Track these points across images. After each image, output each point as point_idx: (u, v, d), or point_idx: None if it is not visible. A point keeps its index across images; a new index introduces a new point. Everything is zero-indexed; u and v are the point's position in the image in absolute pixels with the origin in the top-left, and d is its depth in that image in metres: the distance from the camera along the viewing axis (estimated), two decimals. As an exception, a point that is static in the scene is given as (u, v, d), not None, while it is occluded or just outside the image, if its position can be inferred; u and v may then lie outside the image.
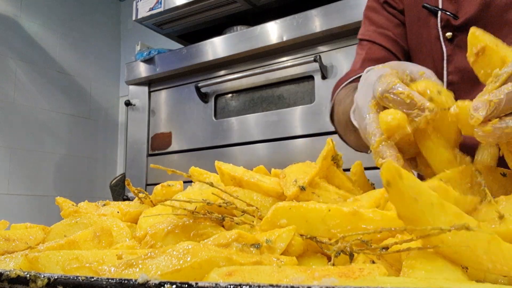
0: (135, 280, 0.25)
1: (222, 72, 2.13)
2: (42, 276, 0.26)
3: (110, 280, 0.25)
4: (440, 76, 0.90)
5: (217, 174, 0.56)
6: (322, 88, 1.82)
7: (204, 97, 2.16)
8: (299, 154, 1.83)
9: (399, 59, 0.96)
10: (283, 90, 1.96)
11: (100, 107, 3.05)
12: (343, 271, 0.28)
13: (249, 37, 1.96)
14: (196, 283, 0.24)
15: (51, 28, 2.80)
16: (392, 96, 0.47)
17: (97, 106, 3.04)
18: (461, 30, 0.88)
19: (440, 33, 0.91)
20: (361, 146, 0.80)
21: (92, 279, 0.25)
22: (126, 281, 0.25)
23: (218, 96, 2.15)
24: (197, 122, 2.18)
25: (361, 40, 1.01)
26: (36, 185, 2.64)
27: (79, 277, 0.26)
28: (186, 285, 0.24)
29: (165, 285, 0.24)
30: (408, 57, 0.99)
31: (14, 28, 2.62)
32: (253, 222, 0.43)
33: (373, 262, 0.33)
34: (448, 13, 0.89)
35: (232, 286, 0.23)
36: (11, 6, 2.64)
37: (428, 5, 0.92)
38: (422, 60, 0.95)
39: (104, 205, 0.61)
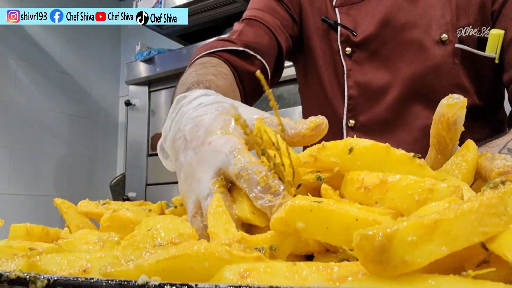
0: (135, 282, 0.25)
1: (222, 72, 2.13)
2: (42, 277, 0.26)
3: (109, 281, 0.25)
4: (342, 90, 0.92)
5: None
6: (322, 88, 1.82)
7: (204, 97, 2.16)
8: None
9: (279, 45, 0.91)
10: (283, 90, 1.96)
11: (100, 107, 3.06)
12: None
13: (249, 37, 1.96)
14: (196, 285, 0.24)
15: (51, 28, 2.80)
16: (248, 175, 0.39)
17: (97, 106, 3.04)
18: (359, 47, 0.90)
19: (340, 48, 0.92)
20: None
21: (92, 280, 0.25)
22: (125, 282, 0.25)
23: (218, 96, 2.15)
24: (197, 122, 2.18)
25: (243, 19, 0.95)
26: (36, 185, 2.64)
27: (79, 278, 0.26)
28: (186, 286, 0.24)
29: (165, 286, 0.24)
30: (289, 51, 0.95)
31: (14, 28, 2.62)
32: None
33: None
34: (347, 29, 0.90)
35: (232, 286, 0.23)
36: (11, 6, 2.64)
37: (327, 19, 0.93)
38: (324, 72, 0.95)
39: (104, 204, 0.61)
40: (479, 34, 0.84)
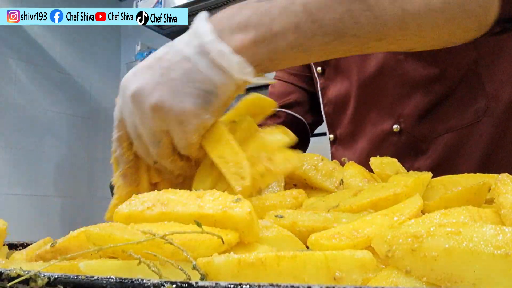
0: (136, 279, 0.25)
1: (222, 72, 2.13)
2: (42, 275, 0.26)
3: (110, 279, 0.25)
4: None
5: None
6: (322, 88, 1.82)
7: (204, 97, 2.16)
8: (299, 154, 1.83)
9: (304, 89, 1.00)
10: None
11: (100, 107, 3.06)
12: None
13: (249, 37, 1.96)
14: (196, 283, 0.24)
15: (51, 28, 2.80)
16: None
17: (97, 106, 3.04)
18: (327, 64, 0.89)
19: (313, 67, 0.93)
20: None
21: (92, 278, 0.26)
22: (126, 280, 0.25)
23: (218, 96, 2.15)
24: (197, 122, 2.18)
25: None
26: (36, 185, 2.64)
27: (79, 276, 0.26)
28: (186, 285, 0.24)
29: (165, 284, 0.24)
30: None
31: (14, 28, 2.62)
32: None
33: None
34: None
35: (232, 286, 0.23)
36: (11, 6, 2.64)
37: None
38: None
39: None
40: None
